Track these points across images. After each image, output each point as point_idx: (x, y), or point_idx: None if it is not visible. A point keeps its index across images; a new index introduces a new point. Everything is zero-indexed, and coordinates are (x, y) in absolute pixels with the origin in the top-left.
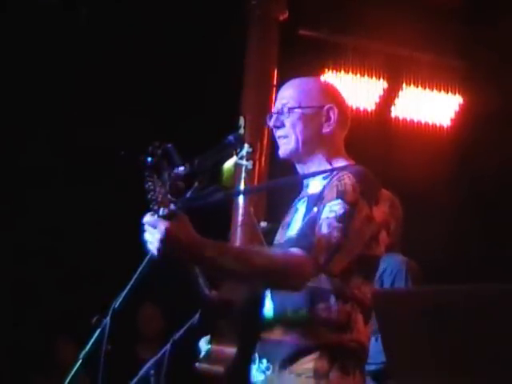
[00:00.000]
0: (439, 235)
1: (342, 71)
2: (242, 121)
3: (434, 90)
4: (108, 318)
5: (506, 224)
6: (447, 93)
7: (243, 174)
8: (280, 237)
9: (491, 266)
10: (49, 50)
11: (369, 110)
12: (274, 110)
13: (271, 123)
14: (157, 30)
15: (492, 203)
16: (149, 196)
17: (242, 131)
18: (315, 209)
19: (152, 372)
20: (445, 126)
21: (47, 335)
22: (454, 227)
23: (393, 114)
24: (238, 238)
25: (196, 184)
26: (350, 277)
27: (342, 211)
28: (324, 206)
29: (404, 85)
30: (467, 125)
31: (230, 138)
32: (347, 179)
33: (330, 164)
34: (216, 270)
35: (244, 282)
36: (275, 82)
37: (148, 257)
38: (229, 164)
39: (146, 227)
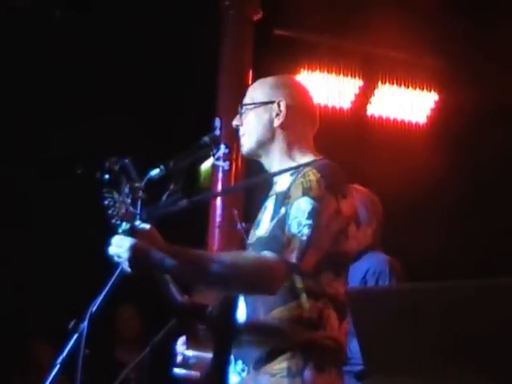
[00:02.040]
0: (416, 233)
1: (318, 70)
2: (217, 122)
3: (410, 88)
4: (85, 323)
5: (483, 220)
6: (422, 90)
7: (220, 175)
8: (251, 236)
9: (477, 261)
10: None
11: (345, 108)
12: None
13: (233, 123)
14: (129, 32)
15: (469, 199)
16: (109, 212)
17: (217, 132)
18: (283, 209)
19: (132, 376)
20: (421, 123)
21: (24, 337)
22: (433, 225)
23: (369, 112)
24: (215, 240)
25: (172, 186)
26: (320, 273)
27: (309, 208)
28: (291, 206)
29: (379, 83)
30: (443, 122)
31: (206, 139)
32: (312, 175)
33: (291, 158)
34: (189, 278)
35: (218, 289)
36: (250, 83)
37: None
38: (206, 165)
39: (113, 248)
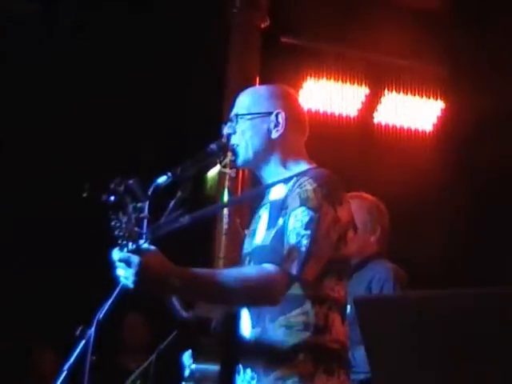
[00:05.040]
0: (421, 240)
1: (324, 78)
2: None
3: (416, 96)
4: (92, 329)
5: (490, 226)
6: (429, 98)
7: (227, 182)
8: (247, 245)
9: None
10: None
11: (351, 116)
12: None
13: (224, 131)
14: (137, 39)
15: (474, 207)
16: (116, 233)
17: (224, 140)
18: (280, 220)
19: (138, 382)
20: (427, 131)
21: (26, 345)
22: (438, 232)
23: (375, 120)
24: (222, 247)
25: (179, 193)
26: (323, 280)
27: (307, 218)
28: (289, 216)
29: (386, 91)
30: (449, 130)
31: (213, 146)
32: (308, 185)
33: (286, 167)
34: (194, 297)
35: (223, 305)
36: None
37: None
38: (213, 172)
39: (118, 264)
